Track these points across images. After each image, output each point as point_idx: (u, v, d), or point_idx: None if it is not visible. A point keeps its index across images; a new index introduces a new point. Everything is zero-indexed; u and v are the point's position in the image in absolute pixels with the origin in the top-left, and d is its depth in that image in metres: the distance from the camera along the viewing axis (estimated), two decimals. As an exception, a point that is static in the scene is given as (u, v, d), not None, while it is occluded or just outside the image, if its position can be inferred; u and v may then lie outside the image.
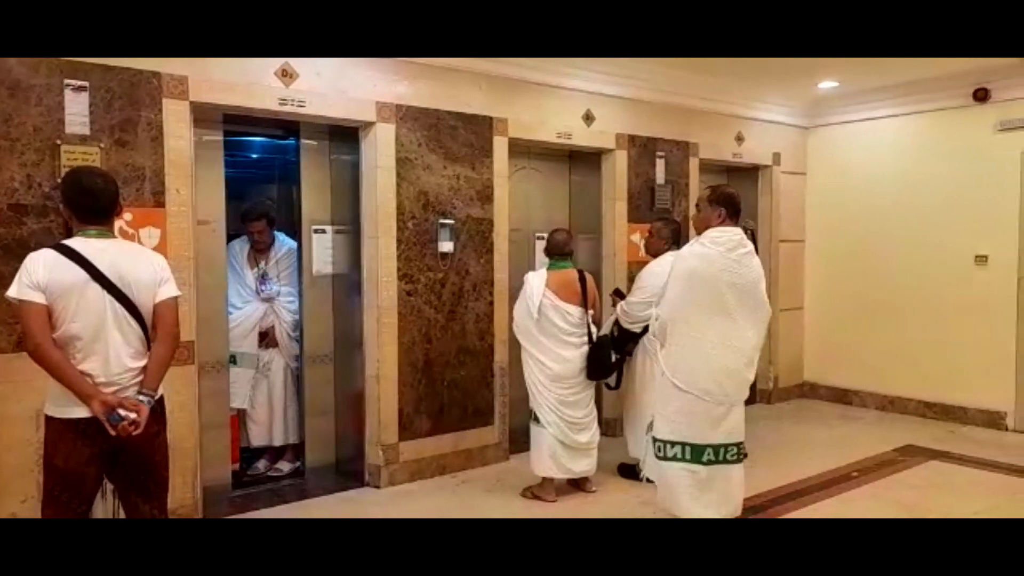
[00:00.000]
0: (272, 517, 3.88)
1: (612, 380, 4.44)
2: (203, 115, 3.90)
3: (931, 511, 3.94)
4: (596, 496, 4.21)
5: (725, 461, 3.24)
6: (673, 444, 3.22)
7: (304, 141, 4.42)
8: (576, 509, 4.02)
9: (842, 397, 6.53)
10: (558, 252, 4.18)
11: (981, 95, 5.55)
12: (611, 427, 5.18)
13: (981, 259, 5.65)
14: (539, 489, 4.15)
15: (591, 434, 4.13)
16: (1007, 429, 5.56)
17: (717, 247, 3.17)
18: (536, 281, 4.06)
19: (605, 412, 5.21)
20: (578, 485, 4.27)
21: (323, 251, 4.50)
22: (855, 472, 4.61)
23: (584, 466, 4.14)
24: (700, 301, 3.14)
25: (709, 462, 3.21)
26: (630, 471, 4.46)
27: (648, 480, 3.55)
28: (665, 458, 3.26)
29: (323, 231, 4.50)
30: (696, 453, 3.19)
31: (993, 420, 5.63)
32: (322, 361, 4.58)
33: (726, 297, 3.15)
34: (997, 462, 4.78)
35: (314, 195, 4.47)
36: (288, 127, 4.39)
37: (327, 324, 4.59)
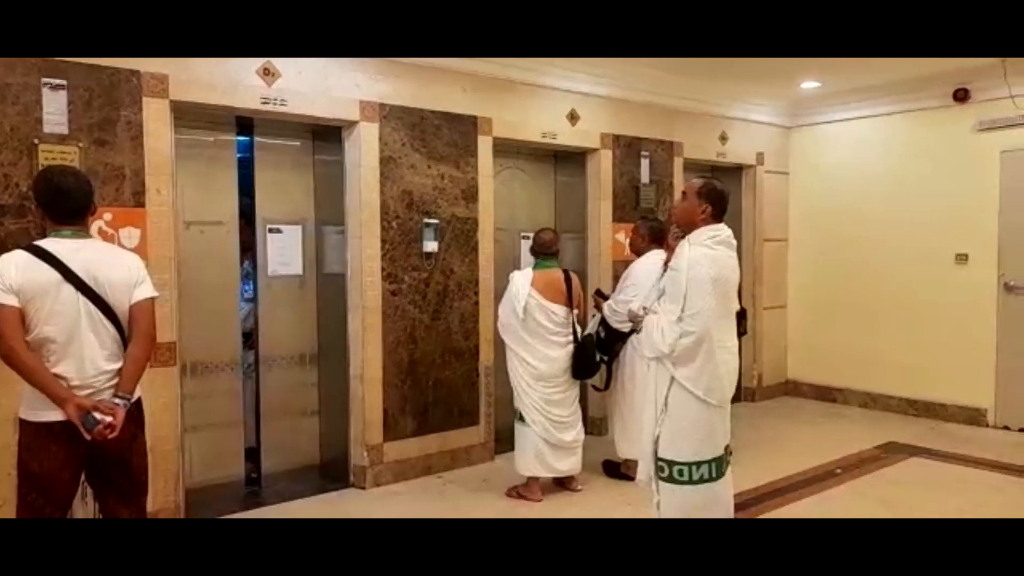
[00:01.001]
0: (254, 518, 3.84)
1: (601, 382, 4.44)
2: (215, 117, 3.91)
3: (913, 508, 3.97)
4: (581, 495, 4.21)
5: (727, 464, 3.11)
6: (700, 465, 2.95)
7: (258, 139, 4.34)
8: (562, 508, 4.02)
9: (825, 395, 6.58)
10: (544, 252, 4.18)
11: (961, 95, 5.61)
12: (596, 426, 5.19)
13: (961, 258, 5.71)
14: (524, 488, 4.14)
15: (576, 432, 4.14)
16: (987, 425, 5.62)
17: (721, 247, 3.02)
18: (521, 280, 4.06)
19: (590, 411, 5.22)
20: (563, 484, 4.27)
21: (279, 251, 4.39)
22: (838, 469, 4.64)
23: (569, 465, 4.14)
24: (721, 308, 2.96)
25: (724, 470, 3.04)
26: (615, 469, 4.47)
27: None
28: (691, 481, 2.94)
29: (279, 230, 4.39)
30: (719, 466, 2.99)
31: (974, 417, 5.69)
32: (297, 362, 4.52)
33: (734, 300, 3.09)
34: (978, 458, 4.83)
35: (269, 193, 4.37)
36: (243, 124, 4.25)
37: (298, 325, 4.50)
